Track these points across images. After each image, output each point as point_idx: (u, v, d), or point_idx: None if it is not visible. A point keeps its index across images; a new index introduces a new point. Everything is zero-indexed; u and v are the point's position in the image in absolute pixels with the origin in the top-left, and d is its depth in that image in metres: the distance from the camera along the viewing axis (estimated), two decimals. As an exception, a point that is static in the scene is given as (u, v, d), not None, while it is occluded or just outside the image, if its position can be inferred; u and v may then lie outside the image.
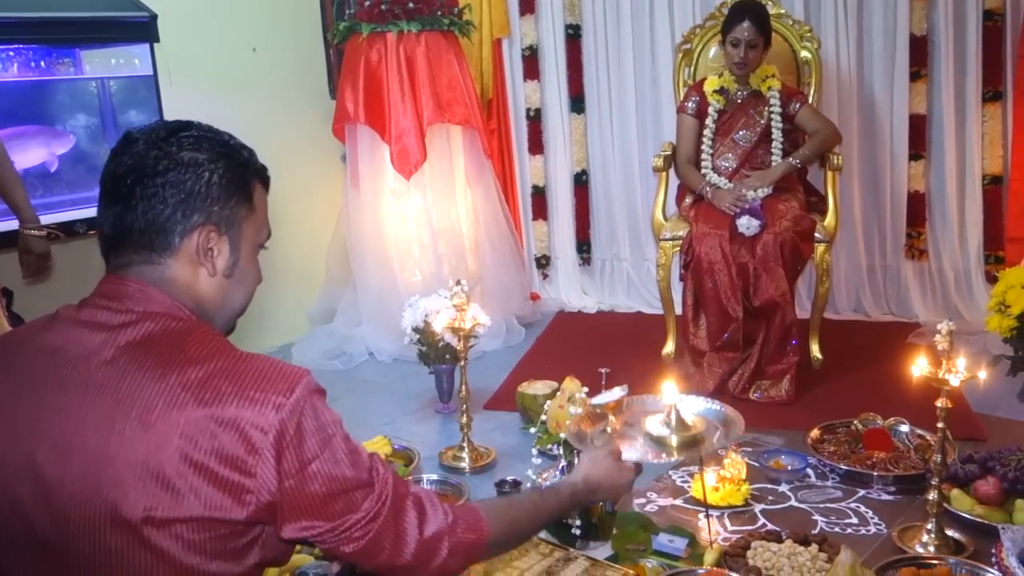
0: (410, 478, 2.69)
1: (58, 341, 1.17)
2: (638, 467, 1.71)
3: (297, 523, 1.15)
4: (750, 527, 2.36)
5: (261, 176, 1.29)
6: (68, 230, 3.01)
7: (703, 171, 3.53)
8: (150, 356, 1.12)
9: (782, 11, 3.82)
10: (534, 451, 2.41)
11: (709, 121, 3.53)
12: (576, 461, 1.87)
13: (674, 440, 1.64)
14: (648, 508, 2.51)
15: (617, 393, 1.78)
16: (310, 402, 1.14)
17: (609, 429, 1.72)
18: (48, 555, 1.11)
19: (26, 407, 1.14)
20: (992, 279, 3.80)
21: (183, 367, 1.11)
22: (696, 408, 1.78)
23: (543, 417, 2.28)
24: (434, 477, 2.71)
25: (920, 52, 3.93)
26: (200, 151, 1.20)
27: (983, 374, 2.15)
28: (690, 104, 3.60)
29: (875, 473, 2.57)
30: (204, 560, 1.10)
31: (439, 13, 3.87)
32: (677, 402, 1.68)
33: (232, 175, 1.22)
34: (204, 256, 1.21)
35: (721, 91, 3.53)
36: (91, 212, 3.11)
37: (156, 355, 1.12)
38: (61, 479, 1.09)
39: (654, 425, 1.66)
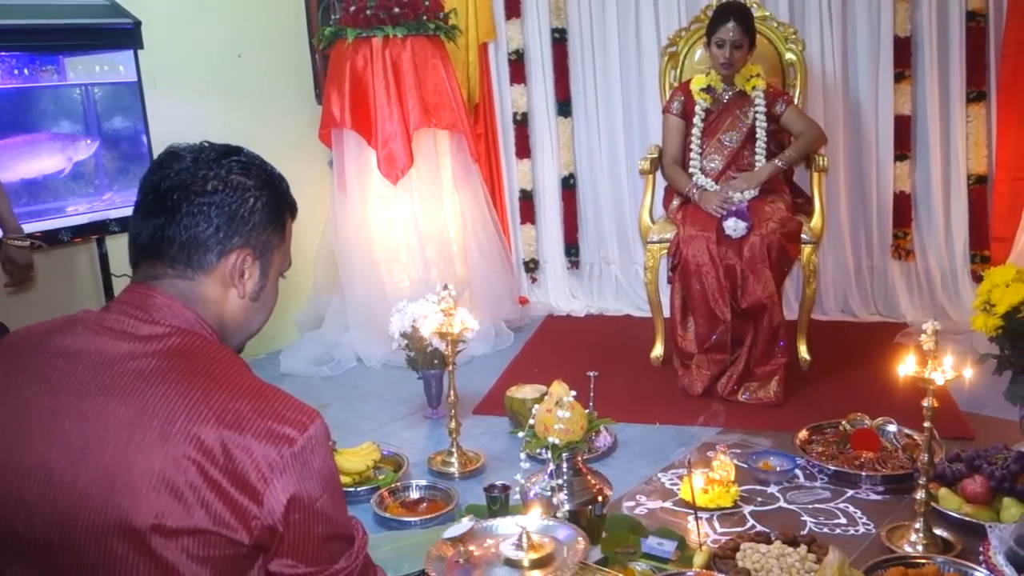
0: (399, 483, 2.69)
1: (80, 344, 1.18)
2: None
3: (284, 559, 1.15)
4: (739, 529, 2.37)
5: (293, 209, 1.34)
6: (51, 239, 2.99)
7: (691, 172, 3.54)
8: (176, 370, 1.14)
9: (767, 13, 3.83)
10: (523, 455, 2.41)
11: (697, 120, 3.54)
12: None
13: (526, 561, 1.79)
14: (637, 511, 2.51)
15: (466, 524, 1.91)
16: (321, 443, 1.16)
17: (462, 560, 1.86)
18: (48, 559, 1.11)
19: (42, 408, 1.14)
20: (978, 278, 3.81)
21: (207, 386, 1.13)
22: (543, 529, 1.93)
23: (531, 421, 2.27)
24: (423, 482, 2.70)
25: (904, 53, 3.95)
26: (249, 177, 1.25)
27: (968, 373, 2.16)
28: (675, 104, 3.61)
29: (863, 473, 2.58)
30: (213, 572, 1.10)
31: (425, 18, 3.87)
32: (527, 526, 1.84)
33: (273, 204, 1.27)
34: (238, 278, 1.25)
35: (707, 89, 3.54)
36: (72, 221, 3.12)
37: (182, 370, 1.14)
38: (73, 482, 1.09)
39: (508, 548, 1.82)
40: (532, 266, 4.78)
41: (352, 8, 3.82)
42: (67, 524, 1.09)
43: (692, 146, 3.56)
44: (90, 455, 1.10)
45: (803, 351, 3.50)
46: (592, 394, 2.38)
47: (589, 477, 2.27)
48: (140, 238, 1.23)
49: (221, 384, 1.14)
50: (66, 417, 1.12)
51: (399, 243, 4.01)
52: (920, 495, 2.19)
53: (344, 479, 2.69)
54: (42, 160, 3.11)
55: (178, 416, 1.10)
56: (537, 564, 1.80)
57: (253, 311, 1.30)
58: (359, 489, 2.67)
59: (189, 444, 1.08)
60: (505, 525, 1.95)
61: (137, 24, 3.06)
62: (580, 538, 1.89)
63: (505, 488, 2.48)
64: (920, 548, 2.18)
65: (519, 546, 1.80)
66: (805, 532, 2.32)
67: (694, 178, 3.51)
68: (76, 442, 1.11)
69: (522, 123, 4.66)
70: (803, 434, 2.83)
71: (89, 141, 3.20)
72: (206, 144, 1.28)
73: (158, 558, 1.07)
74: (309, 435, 1.13)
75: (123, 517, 1.07)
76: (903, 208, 4.10)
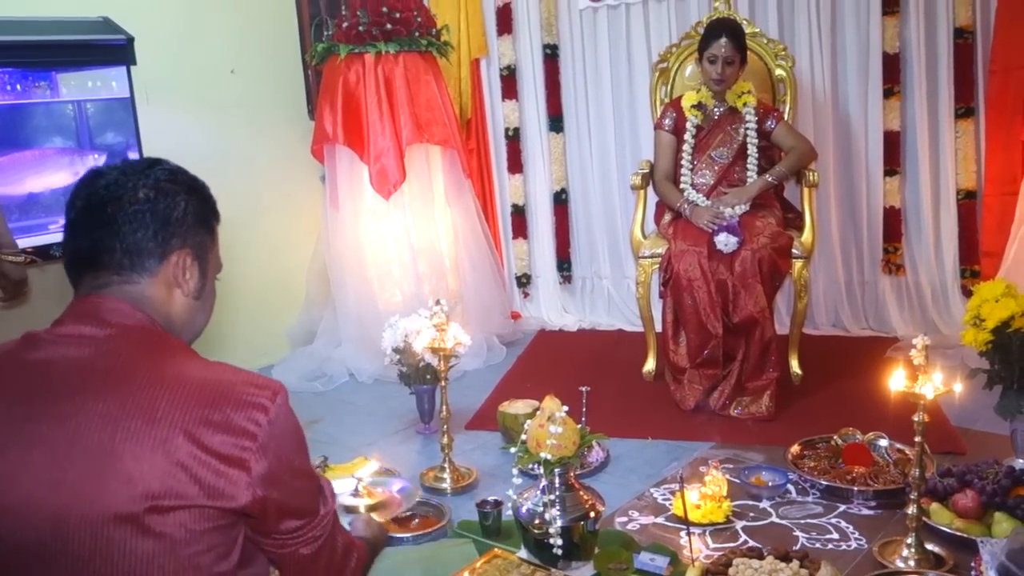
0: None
1: (44, 355, 1.21)
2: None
3: (284, 521, 1.26)
4: (732, 544, 2.36)
5: (217, 214, 1.40)
6: (43, 254, 2.98)
7: (682, 187, 3.55)
8: (146, 362, 1.20)
9: (756, 30, 3.86)
10: (515, 471, 2.40)
11: (688, 136, 3.56)
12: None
13: (362, 507, 2.12)
14: (630, 526, 2.51)
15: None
16: (288, 407, 1.25)
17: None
18: (44, 556, 1.13)
19: (15, 419, 1.17)
20: (968, 293, 3.83)
21: (180, 371, 1.20)
22: (377, 483, 2.33)
23: (524, 436, 2.27)
24: (416, 498, 2.69)
25: (893, 70, 3.98)
26: (176, 183, 1.31)
27: (958, 387, 2.17)
28: (667, 121, 3.63)
29: (855, 488, 2.58)
30: (202, 551, 1.16)
31: (417, 34, 3.89)
32: (362, 477, 2.17)
33: (203, 207, 1.35)
34: (181, 277, 1.31)
35: (699, 106, 3.56)
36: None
37: (152, 360, 1.21)
38: (62, 478, 1.13)
39: (345, 497, 2.13)
40: (524, 281, 4.79)
41: (345, 24, 3.84)
42: (60, 519, 1.12)
43: (683, 162, 3.58)
44: (76, 451, 1.13)
45: (795, 365, 3.51)
46: (584, 409, 2.38)
47: (581, 492, 2.26)
48: (80, 253, 1.28)
49: (192, 368, 1.21)
50: (44, 421, 1.16)
51: (391, 258, 4.01)
52: (912, 510, 2.20)
53: (336, 495, 2.69)
54: (49, 175, 3.11)
55: (159, 402, 1.15)
56: (372, 509, 2.10)
57: (197, 309, 1.36)
58: (351, 505, 2.66)
59: (174, 427, 1.14)
60: (341, 482, 2.22)
61: (130, 40, 3.06)
62: (414, 488, 2.26)
63: (497, 504, 2.48)
64: (912, 563, 2.18)
65: (356, 494, 2.05)
66: (797, 547, 2.32)
67: (685, 193, 3.53)
68: (59, 441, 1.14)
69: (514, 138, 4.68)
70: (795, 449, 2.84)
71: (96, 155, 3.21)
72: (129, 160, 1.34)
73: (156, 536, 1.13)
74: (278, 403, 1.22)
75: (117, 503, 1.11)
76: (893, 223, 4.12)
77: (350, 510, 2.12)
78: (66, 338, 1.22)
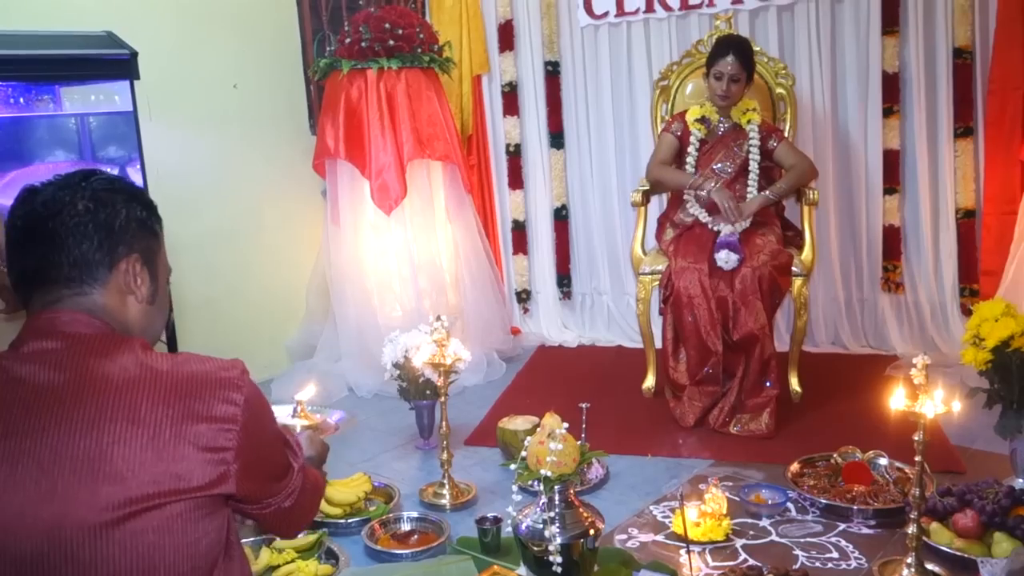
0: (390, 515, 2.67)
1: (12, 374, 1.21)
2: None
3: (265, 490, 1.33)
4: (731, 562, 2.36)
5: (159, 218, 1.40)
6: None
7: (685, 198, 3.56)
8: (114, 366, 1.20)
9: (757, 48, 3.88)
10: (515, 487, 2.39)
11: (691, 150, 3.57)
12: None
13: (299, 428, 2.14)
14: (629, 544, 2.50)
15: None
16: (252, 380, 1.28)
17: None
18: (43, 566, 1.13)
19: None
20: (967, 312, 3.84)
21: (149, 369, 1.21)
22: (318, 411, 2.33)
23: (523, 453, 2.27)
24: (414, 514, 2.68)
25: (892, 89, 4.00)
26: (114, 192, 1.31)
27: (957, 406, 2.17)
28: (674, 125, 3.64)
29: (855, 507, 2.58)
30: (199, 539, 1.19)
31: (419, 50, 3.90)
32: (302, 399, 2.21)
33: (145, 213, 1.34)
34: (133, 283, 1.31)
35: (703, 120, 3.57)
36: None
37: (119, 365, 1.21)
38: (52, 488, 1.13)
39: (284, 417, 2.16)
40: (524, 296, 4.79)
41: (347, 40, 3.86)
42: (56, 528, 1.13)
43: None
44: (62, 460, 1.14)
45: (794, 383, 3.51)
46: (584, 426, 2.37)
47: (581, 510, 2.26)
48: (27, 272, 1.28)
49: (160, 363, 1.23)
50: (26, 436, 1.15)
51: (392, 273, 4.02)
52: (912, 529, 2.19)
53: (335, 510, 2.68)
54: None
55: (139, 402, 1.17)
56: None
57: (153, 314, 1.37)
58: (350, 521, 2.65)
59: (159, 424, 1.16)
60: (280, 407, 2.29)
61: (134, 55, 3.07)
62: (351, 418, 2.39)
63: (497, 520, 2.48)
64: (912, 583, 2.18)
65: (295, 415, 2.12)
66: (797, 566, 2.32)
67: (688, 205, 3.53)
68: (43, 454, 1.14)
69: (515, 154, 4.69)
70: (795, 467, 2.83)
71: (110, 169, 3.21)
72: (59, 174, 1.33)
73: (154, 531, 1.15)
74: (247, 380, 1.26)
75: (113, 505, 1.13)
76: (892, 241, 4.13)
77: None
78: (30, 355, 1.22)
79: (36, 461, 1.14)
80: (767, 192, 3.47)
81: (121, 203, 1.30)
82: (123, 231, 1.29)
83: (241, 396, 1.23)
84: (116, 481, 1.13)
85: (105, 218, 1.27)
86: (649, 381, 3.69)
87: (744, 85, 3.49)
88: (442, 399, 2.84)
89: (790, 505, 2.66)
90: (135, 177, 3.21)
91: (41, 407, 1.17)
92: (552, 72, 4.57)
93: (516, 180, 4.72)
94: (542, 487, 2.20)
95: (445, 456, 2.84)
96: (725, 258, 3.27)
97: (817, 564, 2.34)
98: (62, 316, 1.25)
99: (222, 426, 1.20)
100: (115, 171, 3.23)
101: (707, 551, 2.42)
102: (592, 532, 2.22)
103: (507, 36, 4.57)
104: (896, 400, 2.16)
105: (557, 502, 2.21)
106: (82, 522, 1.12)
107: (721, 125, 3.58)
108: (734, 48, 3.44)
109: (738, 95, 3.50)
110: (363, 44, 3.80)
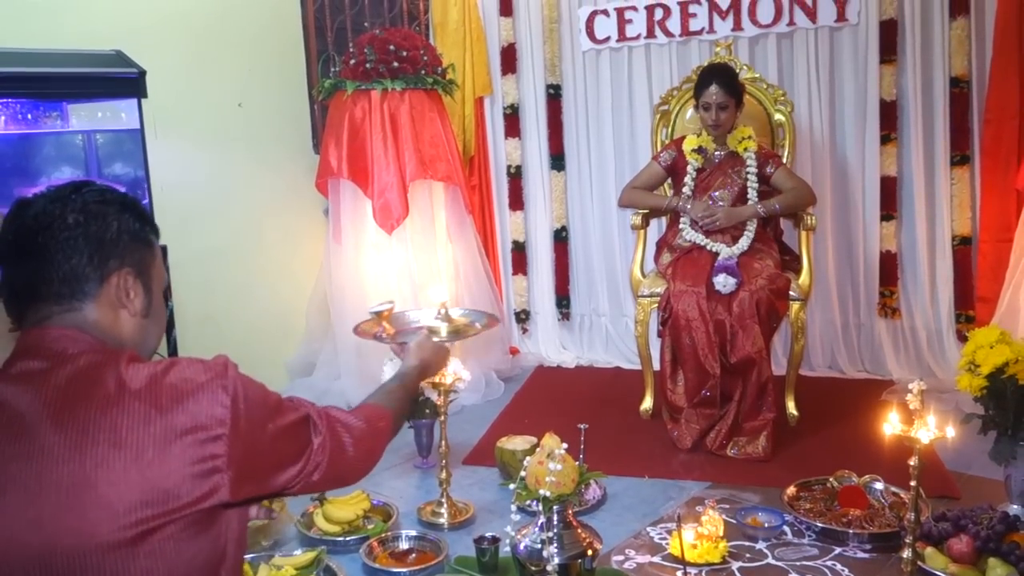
0: (388, 533, 2.68)
1: (1, 398, 1.18)
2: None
3: (278, 478, 1.28)
4: (728, 585, 2.37)
5: (155, 228, 1.37)
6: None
7: (681, 227, 3.59)
8: (95, 386, 1.16)
9: (756, 75, 3.94)
10: (513, 507, 2.40)
11: (688, 179, 3.60)
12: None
13: (444, 329, 2.39)
14: (626, 565, 2.51)
15: (387, 305, 2.41)
16: (239, 376, 1.23)
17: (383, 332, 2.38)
18: None
19: None
20: (963, 338, 3.86)
21: (126, 386, 1.16)
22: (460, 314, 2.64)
23: (522, 473, 2.28)
24: (413, 533, 2.70)
25: (890, 116, 4.05)
26: (106, 204, 1.28)
27: (951, 432, 2.19)
28: (664, 155, 3.68)
29: (851, 531, 2.59)
30: (195, 554, 1.16)
31: (423, 72, 3.95)
32: (445, 300, 2.44)
33: (138, 225, 1.31)
34: (124, 298, 1.28)
35: (699, 150, 3.60)
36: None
37: (99, 384, 1.16)
38: (39, 517, 1.11)
39: (429, 320, 2.42)
40: (523, 317, 4.82)
41: (352, 61, 3.90)
42: (46, 556, 1.10)
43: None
44: (47, 487, 1.11)
45: (791, 407, 3.53)
46: (582, 446, 2.39)
47: (579, 530, 2.27)
48: (18, 288, 1.25)
49: (137, 377, 1.17)
50: (12, 461, 1.13)
51: (392, 292, 4.04)
52: (907, 554, 2.21)
53: (333, 528, 2.69)
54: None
55: (119, 423, 1.13)
56: (454, 332, 2.46)
57: (148, 327, 1.33)
58: (348, 539, 2.67)
59: (141, 445, 1.12)
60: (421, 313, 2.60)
61: (142, 73, 3.11)
62: (493, 317, 2.63)
63: (495, 540, 2.49)
64: (907, 607, 2.19)
65: (439, 317, 2.34)
66: (793, 589, 2.33)
67: (683, 232, 3.57)
68: (29, 481, 1.12)
69: (516, 176, 4.73)
70: (791, 490, 2.85)
71: (122, 189, 3.24)
72: (51, 187, 1.30)
73: (147, 555, 1.12)
74: (231, 376, 1.21)
75: (102, 531, 1.10)
76: (889, 267, 4.16)
77: (432, 331, 2.42)
78: (16, 377, 1.19)
79: (23, 488, 1.12)
80: (758, 206, 3.48)
81: (113, 215, 1.27)
82: (114, 244, 1.26)
83: (227, 396, 1.18)
84: (103, 507, 1.10)
85: (96, 231, 1.24)
86: (647, 403, 3.71)
87: (735, 111, 3.51)
88: (441, 418, 2.86)
89: (786, 528, 2.67)
90: (140, 195, 3.23)
91: (22, 433, 1.14)
92: (553, 95, 4.62)
93: (517, 201, 4.75)
94: (541, 507, 2.21)
95: (444, 475, 2.85)
96: (723, 282, 3.30)
97: (813, 587, 2.36)
98: (51, 333, 1.22)
99: (209, 434, 1.15)
100: (122, 189, 3.26)
101: (703, 573, 2.43)
102: (590, 553, 2.24)
103: (510, 59, 4.62)
104: (891, 425, 2.18)
105: (555, 522, 2.22)
106: (71, 550, 1.10)
107: (718, 154, 3.61)
108: (716, 76, 3.47)
109: (729, 122, 3.52)
110: (368, 65, 3.84)
